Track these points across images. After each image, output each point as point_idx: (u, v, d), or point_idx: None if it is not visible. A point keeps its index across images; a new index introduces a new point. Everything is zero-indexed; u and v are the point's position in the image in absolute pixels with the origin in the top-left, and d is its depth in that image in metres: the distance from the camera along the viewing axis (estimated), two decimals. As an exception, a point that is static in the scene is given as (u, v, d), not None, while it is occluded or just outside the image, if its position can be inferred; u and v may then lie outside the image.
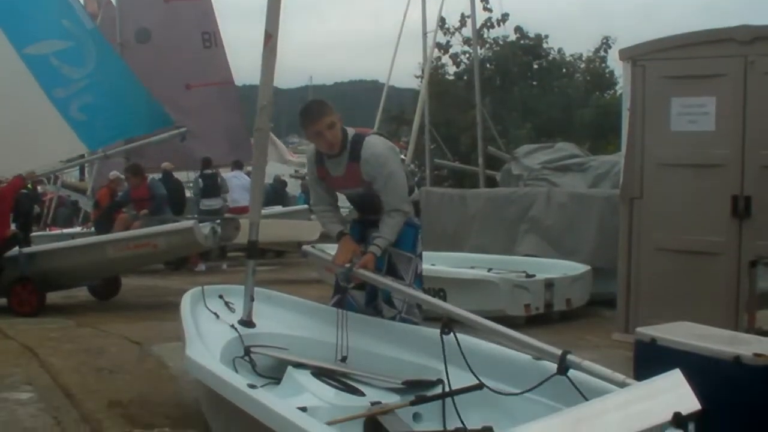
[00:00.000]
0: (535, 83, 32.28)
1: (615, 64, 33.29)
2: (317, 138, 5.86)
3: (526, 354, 4.89)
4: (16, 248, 11.78)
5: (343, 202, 6.33)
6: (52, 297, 12.30)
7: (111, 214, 15.60)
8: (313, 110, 5.85)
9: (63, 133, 12.12)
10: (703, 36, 8.43)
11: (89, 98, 12.37)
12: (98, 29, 14.17)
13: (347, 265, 5.86)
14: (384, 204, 5.87)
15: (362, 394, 4.88)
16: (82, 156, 14.81)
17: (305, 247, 6.39)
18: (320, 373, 5.11)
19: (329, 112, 5.80)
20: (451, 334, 4.94)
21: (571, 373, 4.37)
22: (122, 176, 18.54)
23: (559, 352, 4.48)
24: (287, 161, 31.49)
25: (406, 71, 33.96)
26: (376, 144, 5.85)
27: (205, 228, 12.17)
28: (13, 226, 13.19)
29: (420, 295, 5.83)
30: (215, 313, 5.88)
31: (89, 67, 12.51)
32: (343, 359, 5.51)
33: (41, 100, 11.94)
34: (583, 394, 4.14)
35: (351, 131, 5.94)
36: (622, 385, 4.12)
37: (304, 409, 4.23)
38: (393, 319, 5.96)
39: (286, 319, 6.13)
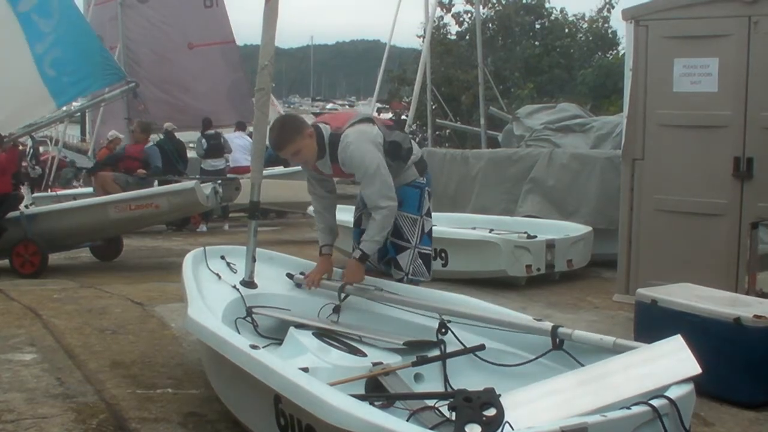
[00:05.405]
0: (537, 43, 32.09)
1: (618, 23, 33.23)
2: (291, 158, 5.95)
3: (528, 314, 4.92)
4: (19, 209, 11.79)
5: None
6: (55, 258, 12.33)
7: (102, 169, 15.39)
8: (276, 141, 5.75)
9: (37, 91, 11.61)
10: (707, -4, 8.38)
11: (58, 52, 11.79)
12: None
13: (338, 285, 5.82)
14: (366, 199, 5.78)
15: (364, 355, 4.89)
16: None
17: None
18: (322, 334, 5.14)
19: (290, 140, 5.68)
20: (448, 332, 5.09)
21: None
22: (121, 136, 18.52)
23: (549, 326, 4.61)
24: None
25: (408, 30, 33.57)
26: (348, 144, 5.64)
27: (207, 188, 12.17)
28: None
29: (410, 292, 5.70)
30: (217, 274, 5.90)
31: (55, 17, 11.83)
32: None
33: (27, 58, 11.51)
34: (581, 363, 4.27)
35: (326, 131, 5.77)
36: (613, 347, 4.24)
37: (306, 370, 4.25)
38: (400, 280, 5.95)
39: (287, 280, 6.13)
